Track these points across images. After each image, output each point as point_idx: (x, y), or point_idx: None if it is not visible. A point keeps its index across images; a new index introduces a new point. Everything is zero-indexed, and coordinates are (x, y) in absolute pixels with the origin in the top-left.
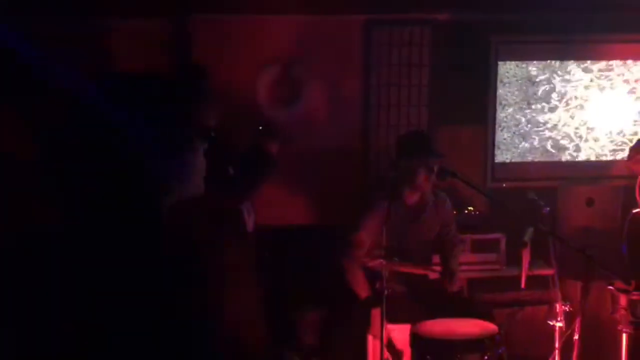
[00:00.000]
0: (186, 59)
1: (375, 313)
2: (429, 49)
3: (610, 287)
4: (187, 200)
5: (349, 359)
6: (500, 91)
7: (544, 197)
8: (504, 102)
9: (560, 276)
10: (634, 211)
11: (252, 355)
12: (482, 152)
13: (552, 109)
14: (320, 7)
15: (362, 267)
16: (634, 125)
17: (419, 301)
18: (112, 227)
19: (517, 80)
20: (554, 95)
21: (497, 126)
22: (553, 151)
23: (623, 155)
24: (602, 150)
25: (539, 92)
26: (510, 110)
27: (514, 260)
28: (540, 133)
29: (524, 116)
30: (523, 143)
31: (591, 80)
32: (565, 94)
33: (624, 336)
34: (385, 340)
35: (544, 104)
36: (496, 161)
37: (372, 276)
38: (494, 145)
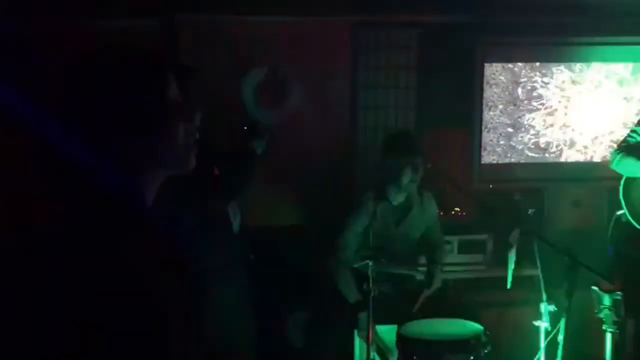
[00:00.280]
0: (173, 59)
1: (362, 314)
2: (416, 51)
3: (595, 287)
4: (172, 201)
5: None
6: (487, 93)
7: (530, 198)
8: (490, 104)
9: (545, 277)
10: (618, 213)
11: (240, 356)
12: (468, 154)
13: (538, 111)
14: (307, 8)
15: (350, 268)
16: (619, 126)
17: (405, 302)
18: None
19: (503, 82)
20: (540, 97)
21: (483, 127)
22: (539, 152)
23: (608, 156)
24: (588, 151)
25: (525, 94)
26: (497, 111)
27: (500, 261)
28: (526, 134)
29: (510, 118)
30: (509, 144)
31: (576, 83)
32: (550, 95)
33: (608, 336)
34: (371, 341)
35: (529, 105)
36: (482, 162)
37: (359, 277)
38: (480, 146)
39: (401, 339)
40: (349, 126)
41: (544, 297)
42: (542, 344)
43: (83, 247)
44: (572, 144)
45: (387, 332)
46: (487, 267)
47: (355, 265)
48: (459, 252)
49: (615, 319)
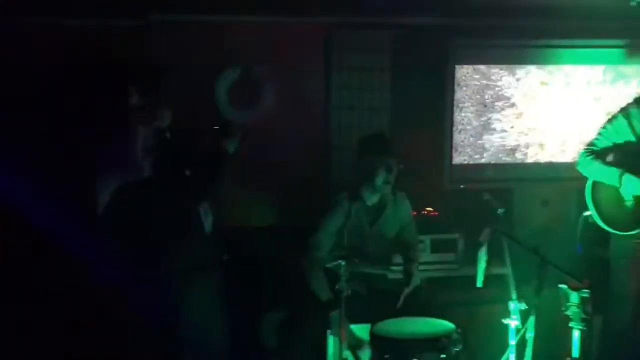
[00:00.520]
0: (147, 59)
1: (335, 313)
2: (389, 53)
3: (563, 285)
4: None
5: (310, 359)
6: (458, 94)
7: (500, 198)
8: (461, 105)
9: (515, 275)
10: (585, 214)
11: (214, 356)
12: (440, 154)
13: (508, 112)
14: (281, 9)
15: (323, 268)
16: (587, 128)
17: (378, 301)
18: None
19: (474, 84)
20: (510, 99)
21: (454, 128)
22: (509, 153)
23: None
24: (557, 152)
25: (495, 96)
26: (467, 113)
27: (472, 259)
28: (497, 135)
29: (481, 119)
30: (480, 145)
31: (546, 84)
32: (520, 97)
33: (576, 333)
34: (344, 340)
35: (500, 106)
36: (454, 163)
37: (333, 277)
38: (451, 147)
39: (374, 338)
40: (322, 127)
41: (514, 295)
42: (512, 341)
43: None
44: (541, 145)
45: (360, 331)
46: (459, 266)
47: (328, 265)
48: (432, 251)
49: (583, 316)
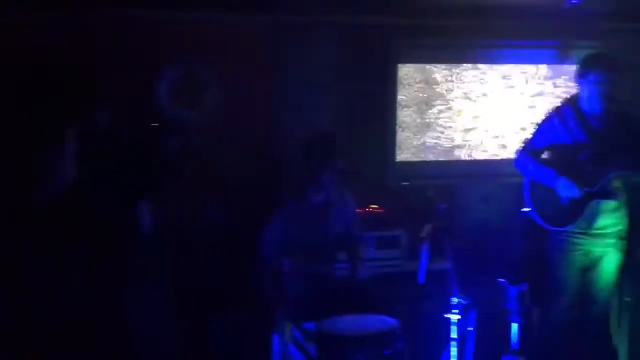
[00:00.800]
0: (87, 56)
1: (281, 313)
2: (334, 51)
3: (503, 280)
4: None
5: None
6: (401, 93)
7: (442, 195)
8: (404, 104)
9: (456, 271)
10: (523, 210)
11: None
12: (384, 152)
13: (450, 110)
14: (226, 7)
15: (268, 267)
16: (526, 126)
17: (324, 299)
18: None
19: (416, 83)
20: (451, 97)
21: (398, 127)
22: (450, 151)
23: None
24: (497, 150)
25: (437, 94)
26: (410, 111)
27: (416, 256)
28: (438, 133)
29: (423, 117)
30: (422, 143)
31: (486, 83)
32: (461, 95)
33: (515, 326)
34: (290, 340)
35: (441, 105)
36: (397, 161)
37: (278, 276)
38: (395, 145)
39: (319, 336)
40: (267, 126)
41: (455, 290)
42: (454, 336)
43: None
44: (482, 143)
45: (306, 329)
46: (403, 262)
47: (273, 264)
48: (377, 248)
49: (521, 310)
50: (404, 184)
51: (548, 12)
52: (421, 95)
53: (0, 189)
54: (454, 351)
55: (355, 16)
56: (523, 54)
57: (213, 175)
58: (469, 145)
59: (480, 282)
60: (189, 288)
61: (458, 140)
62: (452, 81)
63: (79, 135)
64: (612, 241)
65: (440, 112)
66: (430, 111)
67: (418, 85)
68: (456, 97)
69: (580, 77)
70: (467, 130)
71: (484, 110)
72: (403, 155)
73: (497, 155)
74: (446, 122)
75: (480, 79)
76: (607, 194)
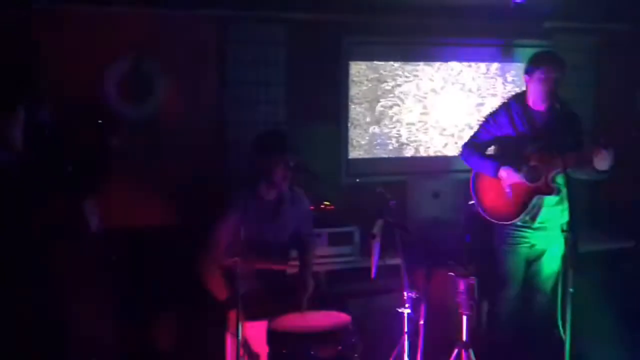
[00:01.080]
0: (27, 51)
1: (233, 312)
2: (284, 47)
3: (452, 273)
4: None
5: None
6: (353, 90)
7: (393, 191)
8: (356, 101)
9: (407, 265)
10: (470, 203)
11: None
12: (336, 149)
13: (401, 107)
14: (175, 1)
15: (219, 266)
16: (475, 122)
17: (277, 297)
18: None
19: (367, 80)
20: (403, 94)
21: (349, 124)
22: (402, 147)
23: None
24: (446, 146)
25: (388, 91)
26: (362, 108)
27: (368, 251)
28: (390, 130)
29: (375, 114)
30: (374, 140)
31: (437, 81)
32: (412, 92)
33: (464, 318)
34: (242, 339)
35: (393, 102)
36: (350, 157)
37: (229, 275)
38: (347, 142)
39: (271, 334)
40: (217, 122)
41: (406, 284)
42: (405, 329)
43: None
44: (431, 139)
45: (258, 328)
46: (356, 258)
47: (225, 263)
48: (329, 244)
49: (470, 302)
50: (356, 180)
51: (494, 10)
52: (372, 92)
53: None
54: (406, 344)
55: (305, 12)
56: (471, 51)
57: (161, 172)
58: (419, 142)
59: (430, 275)
60: (138, 288)
61: (408, 137)
62: (402, 78)
63: (24, 131)
64: (555, 234)
65: (391, 108)
66: (381, 108)
67: (369, 82)
68: (406, 94)
69: (527, 74)
70: (418, 127)
71: (434, 106)
72: (355, 152)
73: (446, 151)
74: (397, 118)
75: (430, 76)
76: (547, 189)
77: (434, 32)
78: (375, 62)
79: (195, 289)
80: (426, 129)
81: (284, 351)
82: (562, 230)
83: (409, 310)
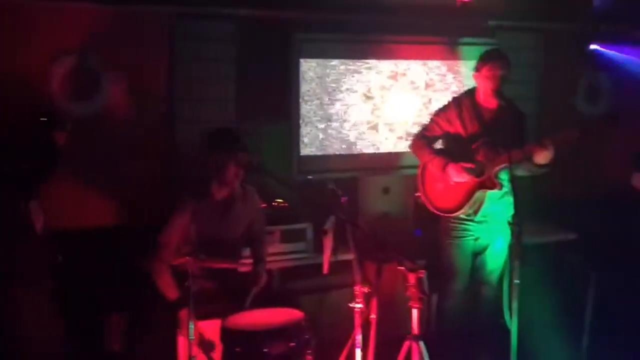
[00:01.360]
0: None
1: (184, 312)
2: (234, 44)
3: (401, 268)
4: None
5: None
6: (303, 87)
7: (344, 187)
8: (307, 98)
9: (359, 260)
10: (416, 194)
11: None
12: (287, 146)
13: (352, 105)
14: None
15: (170, 266)
16: (425, 119)
17: (229, 295)
18: None
19: (318, 77)
20: (353, 91)
21: (301, 121)
22: (353, 144)
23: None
24: (396, 142)
25: (339, 88)
26: (313, 105)
27: (321, 248)
28: (342, 127)
29: (325, 111)
30: (325, 137)
31: (387, 78)
32: (363, 89)
33: (415, 311)
34: (195, 339)
35: (344, 99)
36: (301, 154)
37: (181, 274)
38: (298, 139)
39: (224, 333)
40: (166, 120)
41: (358, 279)
42: (357, 323)
43: None
44: (382, 135)
45: (211, 327)
46: (309, 255)
47: (175, 263)
48: (282, 241)
49: (420, 295)
50: (308, 177)
51: (442, 9)
52: (323, 89)
53: None
54: (358, 338)
55: (254, 9)
56: (420, 49)
57: (109, 171)
58: (370, 138)
59: (381, 270)
60: (85, 289)
61: (359, 133)
62: (353, 75)
63: None
64: (500, 227)
65: (342, 106)
66: (332, 105)
67: (319, 80)
68: (357, 91)
69: (475, 71)
70: (368, 124)
71: (384, 103)
72: (307, 149)
73: (396, 148)
74: (347, 115)
75: (380, 74)
76: (491, 184)
77: (383, 30)
78: (325, 59)
79: (145, 290)
80: (376, 125)
81: (237, 350)
82: (507, 223)
83: (361, 305)
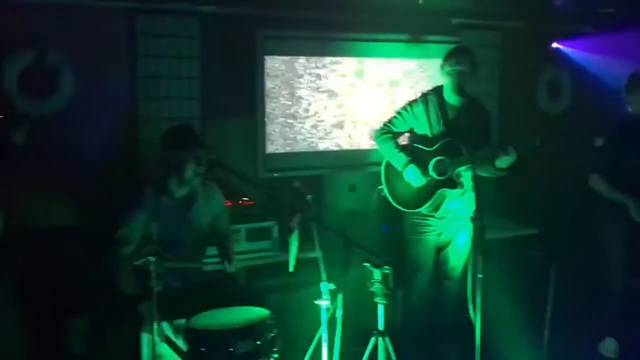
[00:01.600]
0: None
1: (147, 312)
2: (198, 41)
3: (367, 264)
4: None
5: None
6: (269, 84)
7: (311, 185)
8: (272, 95)
9: (325, 257)
10: (379, 187)
11: None
12: (253, 144)
13: (317, 102)
14: None
15: (132, 266)
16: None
17: (194, 295)
18: None
19: (283, 74)
20: (318, 89)
21: (266, 118)
22: (318, 142)
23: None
24: (361, 139)
25: (304, 86)
26: (278, 103)
27: (287, 246)
28: (306, 125)
29: (291, 109)
30: (291, 134)
31: (350, 76)
32: (328, 87)
33: (381, 307)
34: (158, 339)
35: (309, 97)
36: (267, 152)
37: (143, 274)
38: (264, 136)
39: (189, 332)
40: (129, 118)
41: (324, 276)
42: (324, 320)
43: None
44: (348, 134)
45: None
46: (275, 253)
47: (137, 263)
48: (248, 240)
49: (385, 291)
50: (274, 175)
51: (405, 7)
52: (289, 86)
53: None
54: (324, 335)
55: (218, 5)
56: (384, 47)
57: (69, 170)
58: (335, 136)
59: (347, 267)
60: (46, 290)
61: (325, 131)
62: (318, 72)
63: None
64: (462, 223)
65: (307, 103)
66: (298, 103)
67: (285, 77)
68: (322, 89)
69: (441, 68)
70: (333, 121)
71: (349, 101)
72: (272, 146)
73: (362, 145)
74: (313, 113)
75: (345, 71)
76: (452, 184)
77: (348, 28)
78: (291, 56)
79: (108, 290)
80: (342, 123)
81: (202, 349)
82: (470, 219)
83: (327, 302)
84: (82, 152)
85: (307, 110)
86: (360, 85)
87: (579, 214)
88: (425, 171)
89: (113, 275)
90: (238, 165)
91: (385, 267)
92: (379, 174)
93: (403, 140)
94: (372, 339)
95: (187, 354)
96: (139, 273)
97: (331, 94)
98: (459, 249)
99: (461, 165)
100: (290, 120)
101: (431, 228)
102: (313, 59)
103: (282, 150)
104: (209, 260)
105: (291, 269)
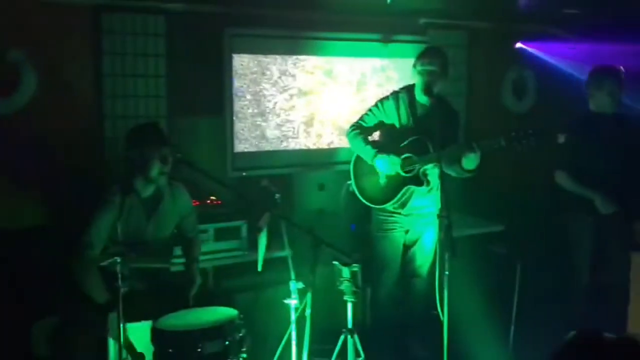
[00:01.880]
0: None
1: (113, 314)
2: (164, 38)
3: (336, 262)
4: None
5: None
6: (237, 83)
7: (279, 184)
8: (239, 94)
9: (293, 256)
10: (347, 182)
11: None
12: (221, 142)
13: (285, 101)
14: None
15: (97, 267)
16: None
17: (161, 296)
18: None
19: (251, 73)
20: (287, 87)
21: (234, 117)
22: (287, 140)
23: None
24: (330, 138)
25: (273, 84)
26: (246, 101)
27: (256, 245)
28: (275, 123)
29: (259, 107)
30: (259, 133)
31: (320, 74)
32: (297, 86)
33: (349, 305)
34: (126, 342)
35: (277, 95)
36: (235, 151)
37: (109, 275)
38: (232, 135)
39: (156, 334)
40: (94, 116)
41: (293, 275)
42: (292, 319)
43: None
44: (317, 132)
45: (143, 329)
46: (244, 252)
47: (102, 264)
48: (216, 239)
49: (354, 289)
50: (243, 174)
51: (374, 6)
52: (257, 85)
53: None
54: (293, 334)
55: (185, 3)
56: (353, 46)
57: (33, 170)
58: (304, 134)
59: (315, 265)
60: (9, 293)
61: (293, 130)
62: (286, 71)
63: None
64: (428, 221)
65: (276, 101)
66: (266, 101)
67: (253, 75)
68: (290, 87)
69: (413, 67)
70: (302, 120)
71: (318, 99)
72: (241, 145)
73: (332, 144)
74: (281, 111)
75: (314, 70)
76: (419, 181)
77: (317, 26)
78: (258, 54)
79: (73, 292)
80: (310, 121)
81: (170, 350)
82: (437, 216)
83: (295, 301)
84: (46, 152)
85: (275, 109)
86: (330, 83)
87: (545, 210)
88: (394, 165)
89: (77, 276)
90: (206, 164)
91: (354, 265)
92: (348, 172)
93: (374, 136)
94: (342, 337)
95: (154, 355)
96: (106, 275)
97: (300, 92)
98: (426, 247)
99: (428, 162)
100: (258, 119)
101: (398, 225)
102: (282, 57)
103: (250, 149)
104: (175, 260)
105: (260, 268)
